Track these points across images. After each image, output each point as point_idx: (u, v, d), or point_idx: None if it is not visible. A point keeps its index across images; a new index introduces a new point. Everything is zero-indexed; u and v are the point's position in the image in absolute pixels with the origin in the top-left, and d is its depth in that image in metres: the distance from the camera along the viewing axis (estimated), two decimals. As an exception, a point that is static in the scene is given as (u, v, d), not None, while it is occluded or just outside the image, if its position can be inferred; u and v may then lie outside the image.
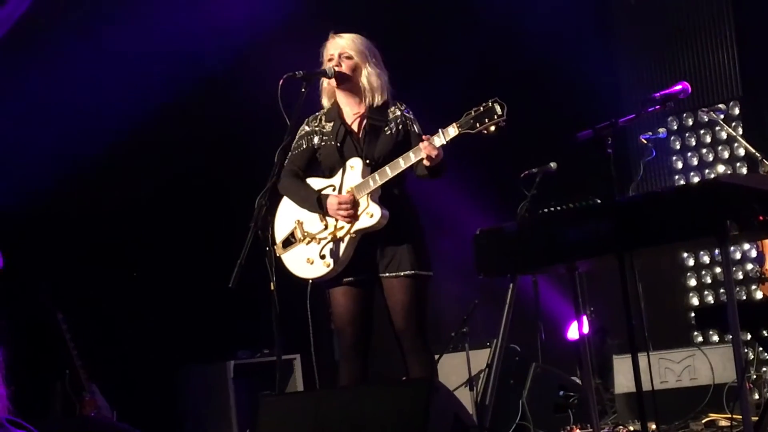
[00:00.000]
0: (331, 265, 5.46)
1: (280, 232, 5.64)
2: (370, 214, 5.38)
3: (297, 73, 5.45)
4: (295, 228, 5.60)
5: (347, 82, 5.56)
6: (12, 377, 7.69)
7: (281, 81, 5.35)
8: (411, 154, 5.29)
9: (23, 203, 8.19)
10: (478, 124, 5.13)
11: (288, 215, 5.65)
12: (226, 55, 8.66)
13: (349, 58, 5.56)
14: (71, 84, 8.13)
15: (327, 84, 5.63)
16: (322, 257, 5.48)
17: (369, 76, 5.55)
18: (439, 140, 5.22)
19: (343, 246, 5.45)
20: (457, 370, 7.52)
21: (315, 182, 5.62)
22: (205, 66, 8.61)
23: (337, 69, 5.52)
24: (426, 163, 5.25)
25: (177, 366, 8.81)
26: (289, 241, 5.59)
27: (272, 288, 5.23)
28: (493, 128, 5.12)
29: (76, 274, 8.36)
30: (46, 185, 8.26)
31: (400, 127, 5.49)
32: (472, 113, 5.15)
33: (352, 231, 5.42)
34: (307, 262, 5.54)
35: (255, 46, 8.58)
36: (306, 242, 5.55)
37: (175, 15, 8.27)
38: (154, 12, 8.21)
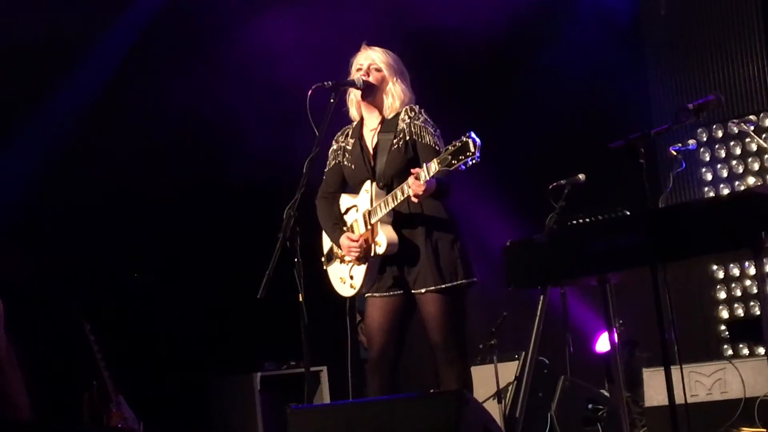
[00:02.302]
0: (356, 288, 5.58)
1: (325, 245, 5.75)
2: (378, 244, 5.46)
3: (326, 83, 5.46)
4: (333, 245, 5.68)
5: (372, 94, 5.57)
6: (40, 387, 7.70)
7: (310, 91, 5.36)
8: (405, 186, 5.30)
9: (53, 213, 8.25)
10: (454, 161, 5.10)
11: None
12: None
13: (378, 70, 5.57)
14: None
15: (354, 95, 5.63)
16: (351, 278, 5.59)
17: (394, 91, 5.56)
18: (424, 175, 5.21)
19: (364, 270, 5.54)
20: (486, 382, 7.48)
21: (344, 200, 5.72)
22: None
23: (364, 79, 5.51)
24: (414, 200, 5.30)
25: (204, 378, 8.79)
26: (330, 256, 5.67)
27: (300, 299, 5.23)
28: (470, 163, 5.09)
29: (103, 285, 8.37)
30: (75, 197, 8.30)
31: (407, 138, 5.48)
32: (450, 149, 5.13)
33: (369, 258, 5.51)
34: (340, 281, 5.65)
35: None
36: (339, 261, 5.65)
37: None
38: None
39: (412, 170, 5.26)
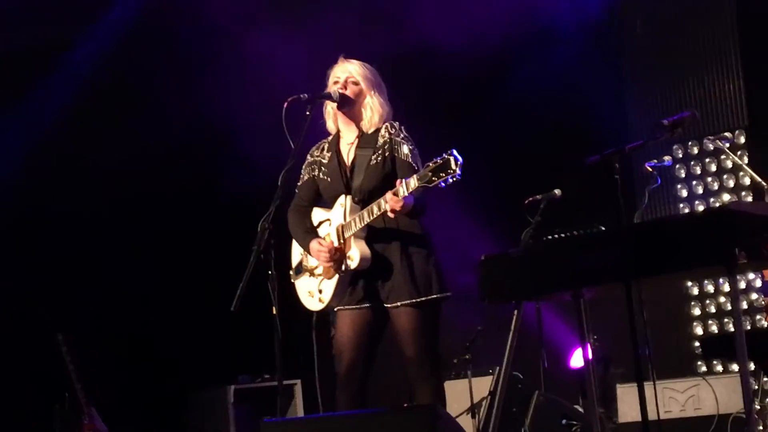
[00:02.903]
0: (325, 302, 5.53)
1: (294, 258, 5.69)
2: (351, 258, 5.41)
3: (302, 95, 5.44)
4: (303, 257, 5.65)
5: (349, 106, 5.54)
6: (11, 399, 7.66)
7: (285, 104, 5.34)
8: (382, 201, 5.26)
9: (27, 223, 8.20)
10: (434, 178, 5.08)
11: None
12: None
13: (356, 83, 5.54)
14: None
15: (330, 107, 5.61)
16: (319, 292, 5.54)
17: (372, 104, 5.54)
18: (402, 190, 5.19)
19: (333, 284, 5.49)
20: (460, 397, 7.47)
21: (317, 214, 5.67)
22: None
23: (341, 92, 5.49)
24: (390, 215, 5.25)
25: (177, 390, 8.74)
26: (299, 269, 5.63)
27: (274, 312, 5.20)
28: (451, 180, 5.07)
29: (76, 297, 8.32)
30: (50, 206, 8.27)
31: (387, 154, 5.46)
32: (431, 165, 5.10)
33: (340, 271, 5.46)
34: (308, 294, 5.60)
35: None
36: (308, 274, 5.60)
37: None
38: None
39: (397, 181, 5.22)
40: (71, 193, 8.34)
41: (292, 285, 5.70)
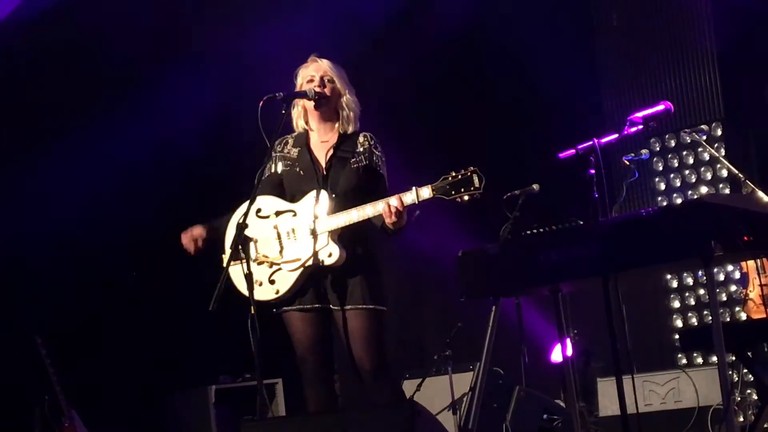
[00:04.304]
0: (280, 293, 5.37)
1: (229, 242, 5.40)
2: (329, 254, 5.28)
3: (277, 94, 5.37)
4: (254, 244, 5.40)
5: (326, 105, 5.49)
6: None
7: (261, 102, 5.29)
8: (380, 204, 5.19)
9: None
10: (453, 192, 5.03)
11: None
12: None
13: (331, 81, 5.50)
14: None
15: (302, 106, 5.57)
16: (272, 282, 5.37)
17: (348, 103, 5.51)
18: (411, 197, 5.13)
19: (294, 276, 5.35)
20: (441, 393, 7.47)
21: (276, 203, 5.47)
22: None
23: (318, 90, 5.46)
24: (388, 220, 5.16)
25: (158, 391, 8.72)
26: (238, 256, 5.29)
27: (252, 311, 5.16)
28: (467, 198, 5.02)
29: (56, 298, 8.29)
30: (20, 207, 8.22)
31: (366, 161, 5.42)
32: (449, 179, 5.05)
33: (306, 264, 5.33)
34: (255, 283, 5.32)
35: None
36: (258, 262, 5.39)
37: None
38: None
39: (418, 188, 5.15)
40: (46, 192, 8.28)
41: (225, 269, 5.23)
